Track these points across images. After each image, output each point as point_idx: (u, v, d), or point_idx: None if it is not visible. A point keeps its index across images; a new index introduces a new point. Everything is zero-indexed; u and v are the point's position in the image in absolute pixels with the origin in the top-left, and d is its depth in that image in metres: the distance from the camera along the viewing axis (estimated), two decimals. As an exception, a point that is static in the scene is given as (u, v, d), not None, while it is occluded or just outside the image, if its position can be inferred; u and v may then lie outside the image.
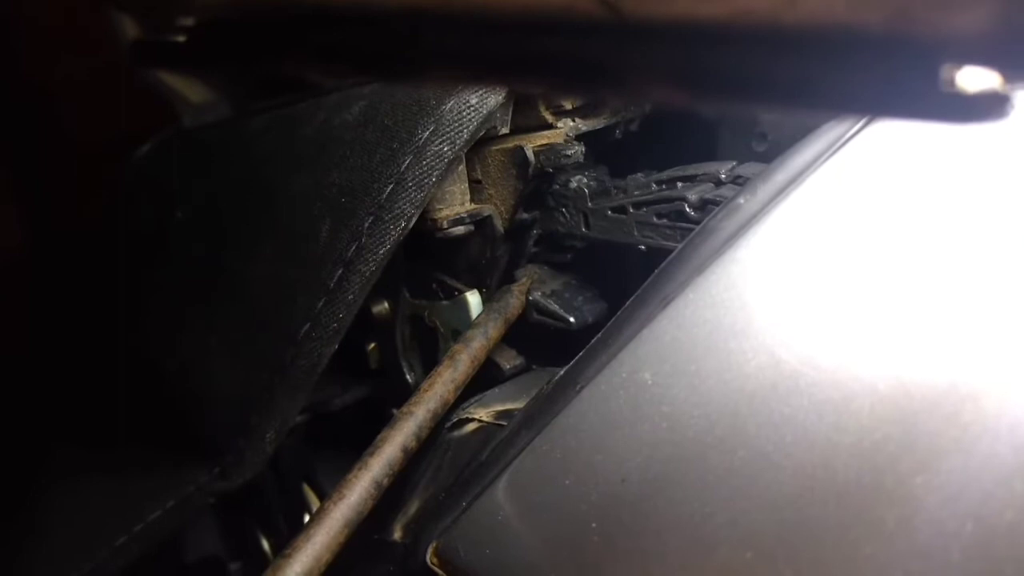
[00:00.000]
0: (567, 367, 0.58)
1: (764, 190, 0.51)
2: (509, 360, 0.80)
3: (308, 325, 0.73)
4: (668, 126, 0.79)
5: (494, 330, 0.74)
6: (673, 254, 0.55)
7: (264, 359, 0.77)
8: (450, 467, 0.69)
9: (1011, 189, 0.45)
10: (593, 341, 0.57)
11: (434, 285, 0.81)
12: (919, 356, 0.43)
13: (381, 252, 0.69)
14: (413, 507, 0.70)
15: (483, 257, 0.78)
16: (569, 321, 0.75)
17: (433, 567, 0.58)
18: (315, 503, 1.06)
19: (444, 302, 0.80)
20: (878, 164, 0.49)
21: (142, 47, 0.33)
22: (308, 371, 0.74)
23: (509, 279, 0.79)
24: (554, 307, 0.76)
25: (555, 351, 0.80)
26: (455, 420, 0.70)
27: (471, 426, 0.70)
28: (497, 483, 0.57)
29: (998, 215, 0.45)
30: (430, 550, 0.59)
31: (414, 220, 0.69)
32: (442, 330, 0.82)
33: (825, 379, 0.45)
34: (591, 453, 0.52)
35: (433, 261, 0.81)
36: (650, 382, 0.51)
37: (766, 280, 0.49)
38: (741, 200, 0.52)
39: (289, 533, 1.03)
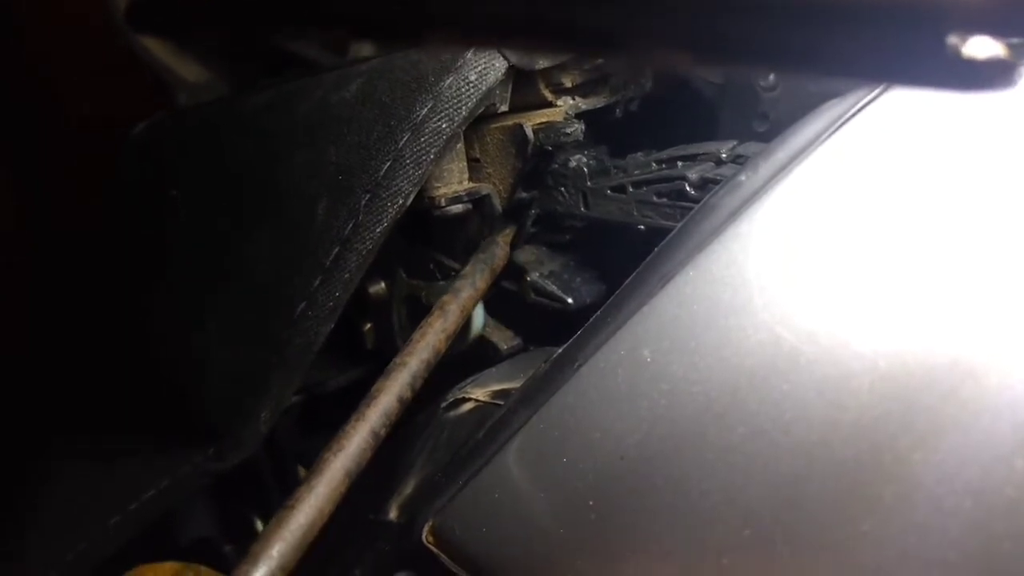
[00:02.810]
0: (565, 346, 0.58)
1: (765, 167, 0.51)
2: (506, 341, 0.80)
3: (304, 304, 0.72)
4: (669, 105, 0.79)
5: (481, 281, 0.74)
6: (673, 232, 0.55)
7: (260, 339, 0.76)
8: (446, 447, 0.68)
9: (1013, 165, 0.45)
10: (592, 320, 0.57)
11: (431, 265, 0.81)
12: (919, 333, 0.43)
13: (378, 230, 0.69)
14: (409, 487, 0.70)
15: (481, 236, 0.78)
16: (567, 302, 0.75)
17: (429, 545, 0.58)
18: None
19: (441, 282, 0.79)
20: (879, 142, 0.49)
21: (139, 10, 0.33)
22: (304, 350, 0.74)
23: (509, 260, 0.79)
24: (552, 288, 0.76)
25: (552, 332, 0.79)
26: (451, 400, 0.70)
27: (467, 406, 0.69)
28: (494, 461, 0.57)
29: (999, 192, 0.45)
30: (426, 529, 0.59)
31: (411, 198, 0.68)
32: (439, 310, 0.81)
33: (824, 356, 0.45)
34: (589, 430, 0.52)
35: (430, 241, 0.81)
36: (649, 359, 0.51)
37: (766, 257, 0.49)
38: (742, 177, 0.51)
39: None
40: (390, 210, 0.68)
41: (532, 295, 0.77)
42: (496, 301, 0.81)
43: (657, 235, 0.63)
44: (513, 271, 0.79)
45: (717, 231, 0.50)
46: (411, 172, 0.67)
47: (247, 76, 1.09)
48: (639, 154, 0.71)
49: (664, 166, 0.68)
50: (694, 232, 0.52)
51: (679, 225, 0.55)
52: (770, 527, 0.43)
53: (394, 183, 0.67)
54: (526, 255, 0.79)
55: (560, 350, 0.58)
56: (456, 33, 0.28)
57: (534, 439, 0.55)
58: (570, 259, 0.80)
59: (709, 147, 0.67)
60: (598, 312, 0.56)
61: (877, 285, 0.45)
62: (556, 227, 0.79)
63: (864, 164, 0.48)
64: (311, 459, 1.07)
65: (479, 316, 0.78)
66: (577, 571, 0.49)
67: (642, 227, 0.68)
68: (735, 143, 0.66)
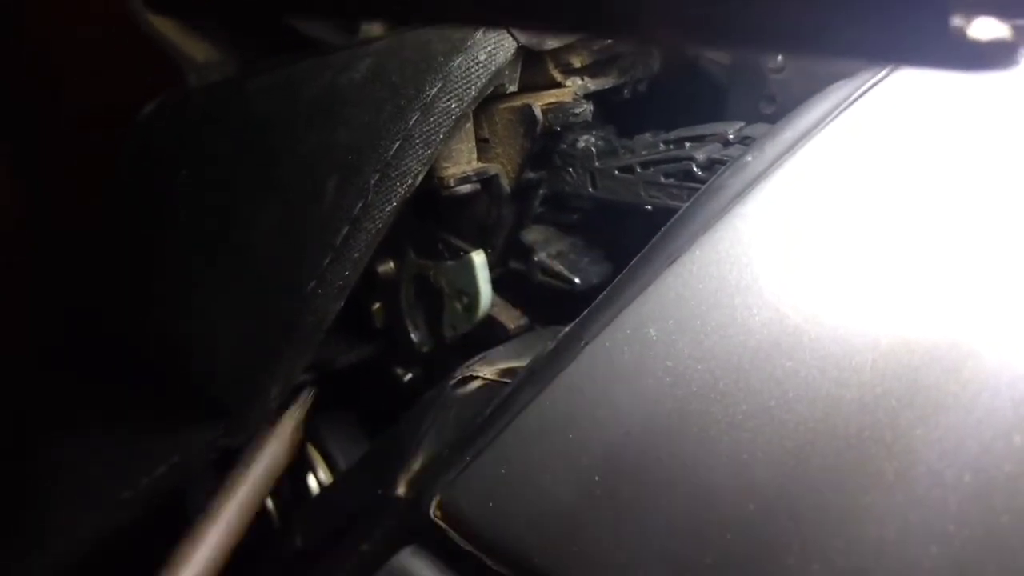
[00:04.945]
0: (571, 325, 0.59)
1: (771, 148, 0.51)
2: (513, 320, 0.81)
3: (314, 283, 0.73)
4: (676, 86, 0.79)
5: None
6: (679, 212, 0.55)
7: (271, 316, 0.77)
8: (454, 424, 0.69)
9: (1018, 148, 0.45)
10: (598, 299, 0.57)
11: (439, 245, 0.81)
12: (921, 312, 0.43)
13: (387, 210, 0.69)
14: (417, 463, 0.71)
15: (489, 217, 0.78)
16: (574, 282, 0.76)
17: (436, 520, 0.59)
18: (318, 462, 1.07)
19: (449, 262, 0.80)
20: (884, 123, 0.49)
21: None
22: (314, 328, 0.74)
23: (515, 239, 0.80)
24: (559, 268, 0.77)
25: (559, 311, 0.80)
26: (459, 378, 0.71)
27: (475, 384, 0.70)
28: (501, 438, 0.57)
29: (1005, 174, 0.45)
30: (433, 504, 0.60)
31: (420, 178, 0.69)
32: (447, 290, 0.82)
33: (827, 335, 0.45)
34: (595, 407, 0.53)
35: (439, 220, 0.81)
36: (654, 338, 0.51)
37: (771, 237, 0.49)
38: (748, 158, 0.52)
39: (292, 491, 1.04)
40: (399, 190, 0.69)
41: (539, 275, 0.78)
42: (503, 281, 0.82)
43: (664, 215, 0.64)
44: (520, 251, 0.80)
45: (723, 212, 0.51)
46: (420, 152, 0.67)
47: (255, 55, 1.09)
48: (647, 134, 0.71)
49: (672, 147, 0.68)
50: (700, 213, 0.53)
51: (685, 205, 0.55)
52: (774, 502, 0.44)
53: (403, 163, 0.68)
54: (534, 235, 0.79)
55: (567, 329, 0.59)
56: (467, 11, 0.28)
57: (541, 416, 0.56)
58: (577, 239, 0.80)
59: (716, 128, 0.67)
60: (605, 291, 0.57)
61: (879, 265, 0.45)
62: (563, 207, 0.79)
63: (869, 145, 0.49)
64: (319, 436, 1.09)
65: (486, 296, 0.79)
66: (583, 545, 0.50)
67: (649, 207, 0.69)
68: (742, 124, 0.67)
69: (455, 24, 0.63)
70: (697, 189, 0.62)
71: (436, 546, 0.59)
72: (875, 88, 0.50)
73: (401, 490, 0.70)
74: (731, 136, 0.65)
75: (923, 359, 0.42)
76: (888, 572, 0.39)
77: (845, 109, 0.50)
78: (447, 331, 0.83)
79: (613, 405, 0.52)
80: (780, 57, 0.68)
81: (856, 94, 0.50)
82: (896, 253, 0.45)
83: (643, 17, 0.29)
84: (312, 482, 1.07)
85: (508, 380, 0.67)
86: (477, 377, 0.70)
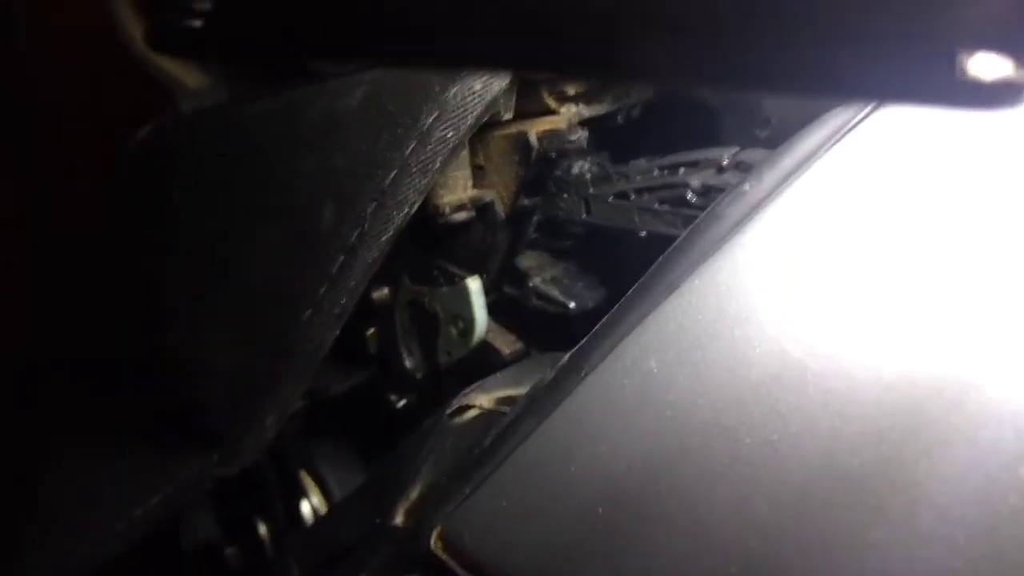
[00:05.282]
0: (570, 353, 0.58)
1: (769, 176, 0.51)
2: (509, 345, 0.80)
3: (311, 311, 0.73)
4: (670, 111, 0.79)
5: None
6: (678, 241, 0.55)
7: (267, 344, 0.77)
8: (451, 453, 0.69)
9: (1019, 178, 0.45)
10: (597, 327, 0.57)
11: (435, 271, 0.81)
12: (924, 345, 0.43)
13: (383, 239, 0.69)
14: (415, 492, 0.70)
15: (484, 243, 0.78)
16: (569, 307, 0.76)
17: (437, 552, 0.59)
18: (312, 489, 1.06)
19: (445, 288, 0.80)
20: (884, 151, 0.49)
21: (160, 33, 0.33)
22: (310, 356, 0.74)
23: (510, 265, 0.80)
24: (554, 293, 0.77)
25: (554, 337, 0.80)
26: (456, 407, 0.70)
27: (472, 413, 0.70)
28: (502, 469, 0.57)
29: (1005, 203, 0.45)
30: (434, 535, 0.59)
31: (417, 206, 0.69)
32: (442, 316, 0.82)
33: (829, 368, 0.45)
34: (596, 440, 0.52)
35: (434, 247, 0.81)
36: (655, 369, 0.51)
37: (771, 267, 0.49)
38: (746, 187, 0.52)
39: (286, 518, 1.03)
40: (396, 218, 0.68)
41: (534, 300, 0.78)
42: (498, 306, 0.82)
43: (659, 242, 0.64)
44: (515, 276, 0.80)
45: (722, 241, 0.51)
46: (417, 181, 0.67)
47: (248, 82, 1.09)
48: (641, 160, 0.72)
49: (667, 172, 0.68)
50: (699, 241, 0.52)
51: (684, 233, 0.55)
52: (777, 537, 0.43)
53: (400, 191, 0.68)
54: (528, 261, 0.80)
55: (565, 358, 0.58)
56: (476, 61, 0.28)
57: (541, 447, 0.55)
58: (570, 265, 0.80)
59: (711, 153, 0.67)
60: (603, 319, 0.57)
61: (882, 297, 0.45)
62: (558, 233, 0.79)
63: (868, 173, 0.49)
64: (313, 464, 1.08)
65: (482, 321, 0.79)
66: (585, 579, 0.49)
67: (643, 234, 0.69)
68: (737, 149, 0.67)
69: (469, 68, 0.63)
70: (693, 216, 0.62)
71: (436, 577, 0.58)
72: (873, 115, 0.51)
73: (399, 520, 0.69)
74: (725, 162, 0.65)
75: (926, 392, 0.42)
76: (895, 608, 0.39)
77: (843, 137, 0.50)
78: (442, 356, 0.83)
79: (614, 438, 0.51)
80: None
81: (854, 121, 0.51)
82: (897, 285, 0.45)
83: (653, 64, 0.29)
84: (306, 509, 1.06)
85: (506, 408, 0.67)
86: (474, 406, 0.70)
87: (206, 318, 0.83)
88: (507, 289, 0.81)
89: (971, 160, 0.47)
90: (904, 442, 0.41)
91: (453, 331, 0.81)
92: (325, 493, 1.06)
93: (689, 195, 0.65)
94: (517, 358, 0.80)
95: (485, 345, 0.80)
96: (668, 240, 0.59)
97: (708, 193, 0.64)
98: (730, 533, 0.44)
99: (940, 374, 0.42)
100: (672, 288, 0.52)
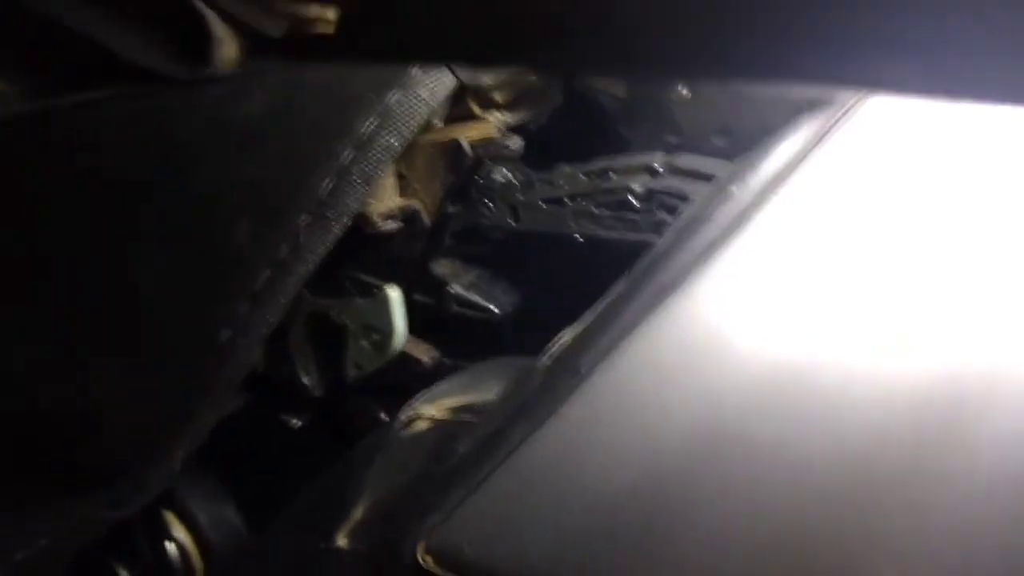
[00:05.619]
0: (552, 358, 0.59)
1: (755, 179, 0.54)
2: (426, 353, 0.79)
3: (231, 332, 0.68)
4: (576, 119, 0.82)
5: None
6: (663, 241, 0.57)
7: (175, 373, 0.70)
8: (403, 468, 0.67)
9: (1008, 178, 0.51)
10: (582, 330, 0.58)
11: (346, 282, 0.78)
12: (927, 346, 0.46)
13: (320, 251, 0.66)
14: (359, 512, 0.67)
15: (405, 252, 0.76)
16: (493, 311, 0.76)
17: (427, 566, 0.57)
18: (176, 527, 0.98)
19: (360, 300, 0.77)
20: (867, 151, 0.53)
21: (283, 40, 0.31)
22: (230, 382, 0.69)
23: (424, 273, 0.78)
24: (475, 298, 0.77)
25: (471, 343, 0.80)
26: (403, 419, 0.68)
27: (423, 424, 0.68)
28: (496, 476, 0.56)
29: (998, 204, 0.50)
30: (419, 548, 0.57)
31: (354, 215, 0.67)
32: (352, 328, 0.79)
33: (833, 369, 0.47)
34: (597, 448, 0.52)
35: (345, 257, 0.78)
36: (656, 375, 0.52)
37: (771, 273, 0.51)
38: (732, 189, 0.55)
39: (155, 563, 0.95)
40: (335, 229, 0.66)
41: (455, 306, 0.77)
42: (410, 316, 0.80)
43: (596, 245, 0.66)
44: (431, 284, 0.78)
45: (714, 245, 0.53)
46: (360, 190, 0.65)
47: (51, 89, 0.98)
48: (564, 166, 0.73)
49: (596, 178, 0.70)
50: (689, 243, 0.55)
51: (667, 234, 0.57)
52: (782, 546, 0.44)
53: (340, 202, 0.65)
54: (443, 267, 0.79)
55: (546, 362, 0.59)
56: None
57: (537, 454, 0.54)
58: (483, 270, 0.80)
59: (637, 159, 0.70)
60: (592, 321, 0.57)
61: (884, 298, 0.48)
62: (471, 239, 0.79)
63: (857, 173, 0.53)
64: (178, 501, 0.99)
65: (401, 331, 0.77)
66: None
67: (579, 237, 0.71)
68: (662, 153, 0.70)
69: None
70: (635, 220, 0.65)
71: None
72: (849, 117, 0.54)
73: (342, 542, 0.66)
74: (658, 166, 0.69)
75: (925, 398, 0.44)
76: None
77: (825, 138, 0.54)
78: (350, 370, 0.80)
79: (616, 445, 0.51)
80: (684, 89, 0.73)
81: (833, 122, 0.54)
82: (899, 292, 0.48)
83: (679, 58, 0.30)
84: (171, 548, 0.98)
85: (466, 417, 0.66)
86: (423, 417, 0.68)
87: (91, 354, 0.74)
88: (418, 296, 0.80)
89: (964, 162, 0.52)
90: (904, 450, 0.43)
91: (365, 344, 0.78)
92: (190, 527, 0.98)
93: (631, 199, 0.67)
94: (436, 367, 0.79)
95: (403, 356, 0.78)
96: (608, 243, 0.61)
97: (652, 197, 0.67)
98: (733, 544, 0.44)
99: (943, 380, 0.44)
100: (666, 291, 0.54)
